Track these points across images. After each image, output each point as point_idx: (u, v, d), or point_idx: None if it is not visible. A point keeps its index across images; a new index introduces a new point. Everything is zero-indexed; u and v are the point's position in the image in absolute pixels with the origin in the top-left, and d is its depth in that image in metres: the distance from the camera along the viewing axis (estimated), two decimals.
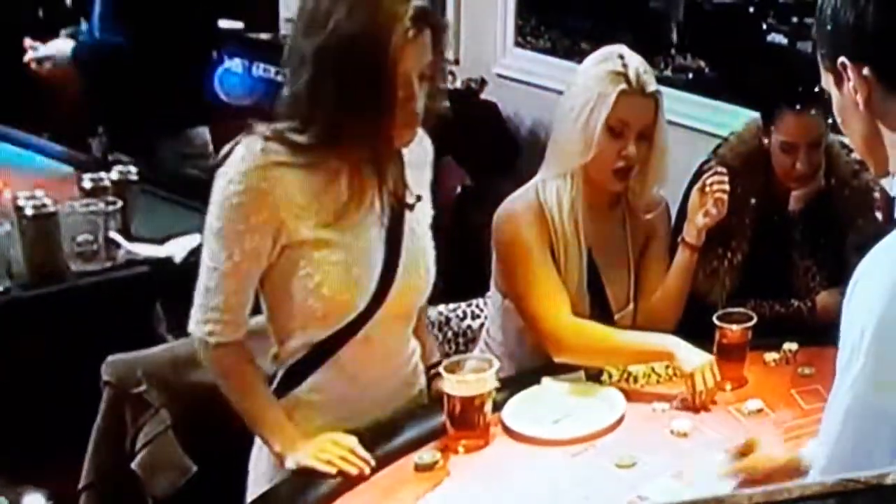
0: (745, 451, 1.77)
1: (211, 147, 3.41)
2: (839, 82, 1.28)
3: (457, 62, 4.37)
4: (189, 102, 3.38)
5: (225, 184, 1.72)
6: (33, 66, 3.27)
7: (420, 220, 1.91)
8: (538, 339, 2.16)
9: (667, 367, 2.11)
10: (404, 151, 1.86)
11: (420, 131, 1.87)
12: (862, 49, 1.24)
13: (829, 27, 1.27)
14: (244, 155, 1.72)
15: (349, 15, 1.67)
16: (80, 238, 2.45)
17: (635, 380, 2.09)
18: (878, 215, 2.55)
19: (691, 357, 2.05)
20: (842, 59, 1.25)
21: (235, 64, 4.72)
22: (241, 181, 1.71)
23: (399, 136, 1.77)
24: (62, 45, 3.31)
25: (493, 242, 2.21)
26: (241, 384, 1.82)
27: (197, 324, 1.79)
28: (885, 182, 2.50)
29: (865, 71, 1.24)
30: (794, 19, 3.44)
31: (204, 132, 3.47)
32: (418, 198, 1.88)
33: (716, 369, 2.06)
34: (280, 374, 1.88)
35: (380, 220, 1.82)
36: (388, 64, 1.67)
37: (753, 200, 2.47)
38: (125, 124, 3.32)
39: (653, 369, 2.12)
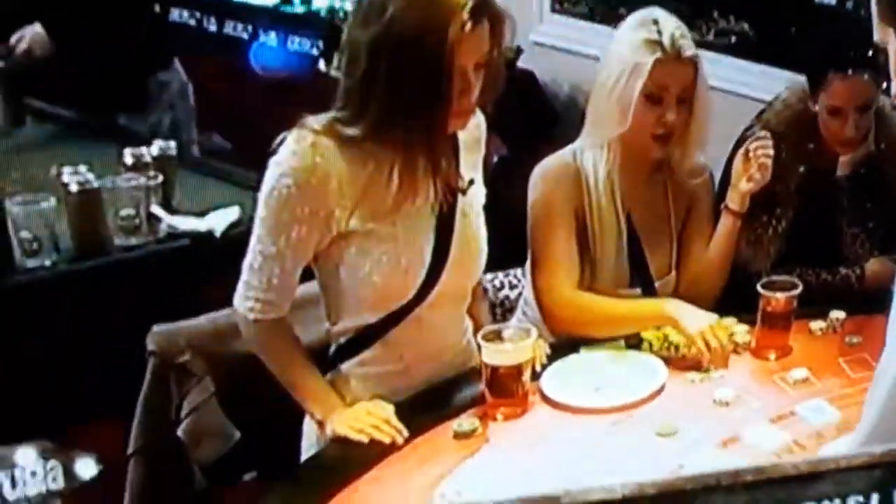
0: None
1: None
2: None
3: None
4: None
5: (277, 175, 1.76)
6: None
7: (473, 203, 1.93)
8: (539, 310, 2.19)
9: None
10: (459, 133, 1.87)
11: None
12: None
13: None
14: (295, 150, 1.75)
15: (407, 7, 1.68)
16: (123, 212, 2.51)
17: (676, 348, 2.09)
18: None
19: (693, 319, 2.06)
20: None
21: (270, 38, 4.74)
22: (291, 175, 1.74)
23: (454, 123, 1.79)
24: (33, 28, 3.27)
25: (528, 201, 2.23)
26: (281, 357, 1.87)
27: (240, 299, 1.85)
28: None
29: None
30: None
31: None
32: (471, 182, 1.90)
33: (724, 327, 2.06)
34: (332, 349, 1.93)
35: (431, 209, 1.85)
36: (445, 58, 1.67)
37: (800, 167, 2.46)
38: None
39: None
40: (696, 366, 2.05)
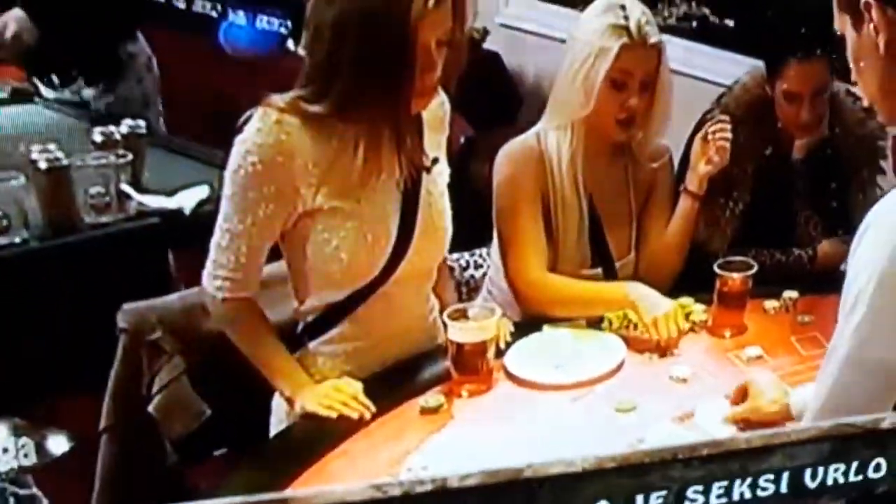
0: (739, 397, 1.82)
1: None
2: (858, 23, 1.26)
3: None
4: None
5: (242, 153, 1.77)
6: None
7: (437, 182, 1.96)
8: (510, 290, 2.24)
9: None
10: (423, 113, 1.90)
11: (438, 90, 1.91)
12: None
13: None
14: (260, 127, 1.77)
15: None
16: (92, 191, 2.51)
17: (635, 326, 2.15)
18: (884, 164, 2.59)
19: (652, 306, 2.11)
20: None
21: (239, 17, 4.71)
22: (256, 152, 1.76)
23: (417, 103, 1.81)
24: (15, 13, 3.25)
25: (493, 184, 2.26)
26: (250, 335, 1.90)
27: (208, 278, 1.86)
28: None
29: (891, 12, 1.22)
30: None
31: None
32: (435, 160, 1.92)
33: (678, 316, 2.11)
34: (299, 327, 1.96)
35: (396, 185, 1.87)
36: (408, 34, 1.68)
37: (757, 150, 2.50)
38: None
39: None
40: (652, 348, 2.10)
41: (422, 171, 1.89)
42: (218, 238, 1.83)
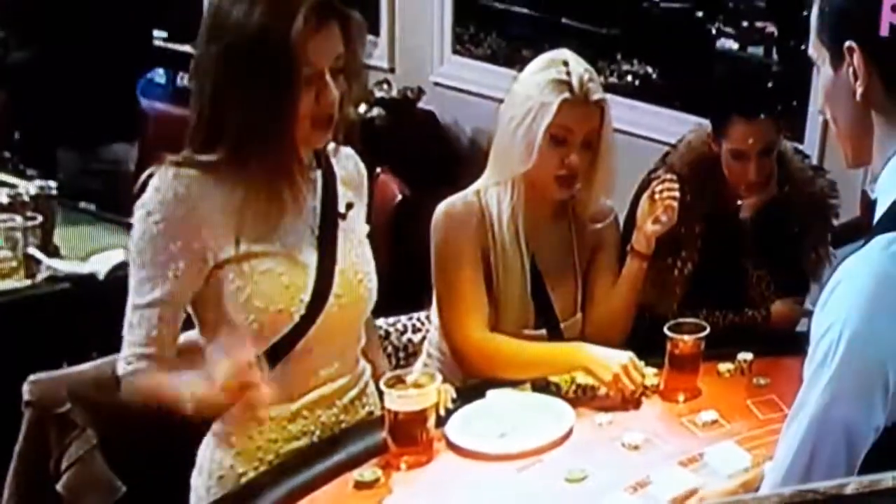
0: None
1: (130, 164, 3.42)
2: (837, 63, 1.27)
3: (392, 70, 4.40)
4: (100, 117, 3.38)
5: (143, 216, 1.75)
6: None
7: (355, 230, 1.94)
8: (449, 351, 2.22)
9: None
10: (334, 163, 1.89)
11: (349, 151, 1.93)
12: (874, 37, 1.22)
13: (841, 4, 1.25)
14: (158, 185, 1.75)
15: (248, 13, 1.69)
16: None
17: (584, 391, 2.12)
18: (834, 222, 2.63)
19: (607, 361, 2.10)
20: (849, 42, 1.24)
21: (159, 74, 4.70)
22: (158, 211, 1.74)
23: (315, 137, 1.79)
24: None
25: (432, 243, 2.25)
26: (171, 388, 1.77)
27: (122, 364, 1.80)
28: (867, 186, 2.58)
29: (874, 63, 1.23)
30: (745, 24, 3.51)
31: (117, 148, 3.47)
32: (349, 206, 1.90)
33: (636, 364, 2.11)
34: None
35: (311, 231, 1.85)
36: (291, 58, 1.68)
37: (704, 209, 2.53)
38: (33, 138, 3.34)
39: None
40: (605, 406, 2.08)
41: (337, 216, 1.86)
42: (129, 319, 1.78)
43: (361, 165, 2.01)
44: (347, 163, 1.96)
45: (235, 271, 1.78)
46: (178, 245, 1.74)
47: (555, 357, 2.17)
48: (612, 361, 2.10)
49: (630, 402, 2.11)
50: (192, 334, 1.87)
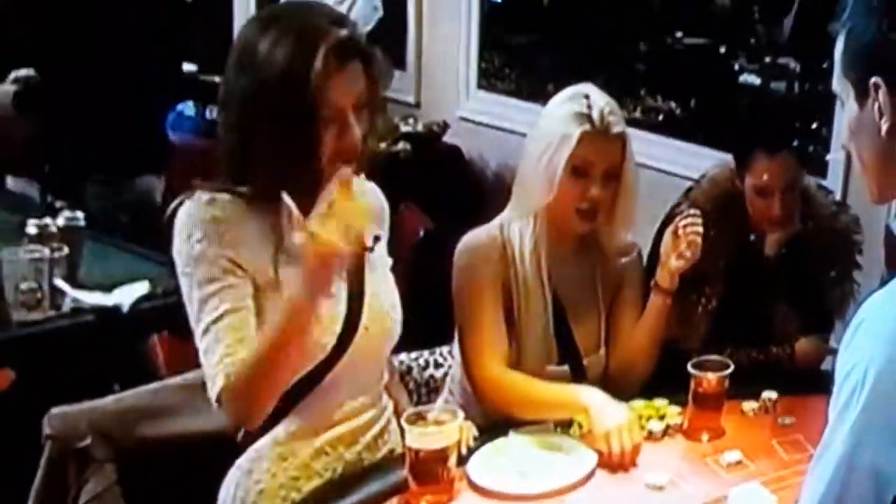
0: None
1: (157, 196, 3.43)
2: (862, 98, 1.25)
3: (418, 105, 4.40)
4: (128, 150, 3.40)
5: (185, 239, 1.75)
6: None
7: (380, 263, 1.94)
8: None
9: (639, 417, 2.11)
10: (359, 195, 1.88)
11: (372, 185, 1.91)
12: None
13: (867, 39, 1.23)
14: (192, 211, 1.75)
15: (272, 51, 1.69)
16: (23, 286, 2.46)
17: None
18: (859, 259, 2.60)
19: (605, 416, 2.02)
20: (875, 78, 1.22)
21: (188, 107, 4.73)
22: (198, 230, 1.74)
23: (338, 168, 1.75)
24: (3, 90, 3.34)
25: (453, 276, 2.23)
26: (268, 356, 1.71)
27: (213, 391, 1.73)
28: (891, 221, 2.54)
29: None
30: (767, 59, 3.49)
31: (146, 181, 3.49)
32: (376, 238, 1.89)
33: (633, 430, 2.01)
34: (241, 431, 1.87)
35: None
36: (312, 99, 1.68)
37: (728, 245, 2.50)
38: (62, 170, 3.36)
39: None
40: (604, 463, 1.99)
41: (365, 249, 1.86)
42: (204, 347, 1.72)
43: (383, 199, 2.01)
44: (370, 196, 1.95)
45: (272, 299, 1.77)
46: (225, 259, 1.73)
47: (557, 400, 2.13)
48: (607, 418, 2.02)
49: (616, 464, 1.99)
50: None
